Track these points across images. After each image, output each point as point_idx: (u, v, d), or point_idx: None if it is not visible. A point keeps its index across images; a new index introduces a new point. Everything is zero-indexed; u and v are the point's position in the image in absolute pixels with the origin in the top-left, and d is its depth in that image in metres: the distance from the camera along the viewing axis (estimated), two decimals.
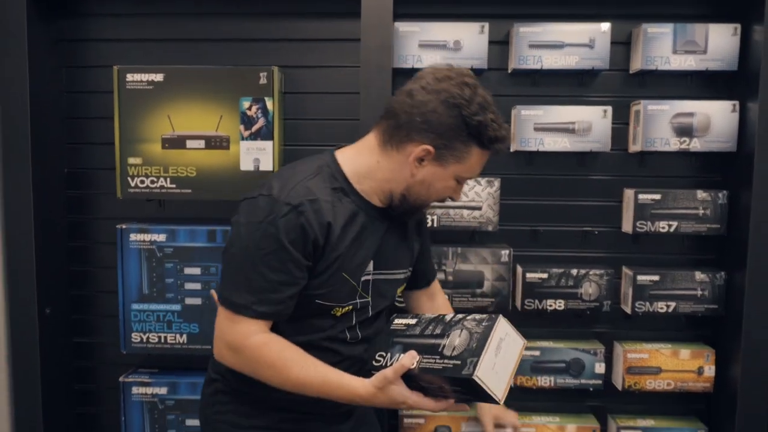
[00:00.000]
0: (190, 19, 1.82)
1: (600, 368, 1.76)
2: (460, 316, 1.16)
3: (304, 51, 1.81)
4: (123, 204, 1.83)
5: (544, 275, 1.75)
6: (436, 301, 1.50)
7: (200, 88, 1.72)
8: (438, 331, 1.14)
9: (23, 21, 1.66)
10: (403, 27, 1.70)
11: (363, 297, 1.21)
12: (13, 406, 1.79)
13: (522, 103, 1.74)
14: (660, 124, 1.69)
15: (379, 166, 1.16)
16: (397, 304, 1.47)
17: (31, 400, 1.76)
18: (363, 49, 1.65)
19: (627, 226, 1.77)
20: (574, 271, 1.74)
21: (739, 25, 1.67)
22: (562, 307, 1.76)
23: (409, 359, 1.08)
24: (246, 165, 1.74)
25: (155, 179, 1.76)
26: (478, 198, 1.75)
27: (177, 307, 1.77)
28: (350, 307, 1.19)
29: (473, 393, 1.06)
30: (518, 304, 1.77)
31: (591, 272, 1.75)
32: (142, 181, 1.76)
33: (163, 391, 1.80)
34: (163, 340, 1.78)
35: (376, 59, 1.65)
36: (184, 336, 1.77)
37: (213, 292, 1.75)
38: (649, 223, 1.73)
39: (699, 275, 1.73)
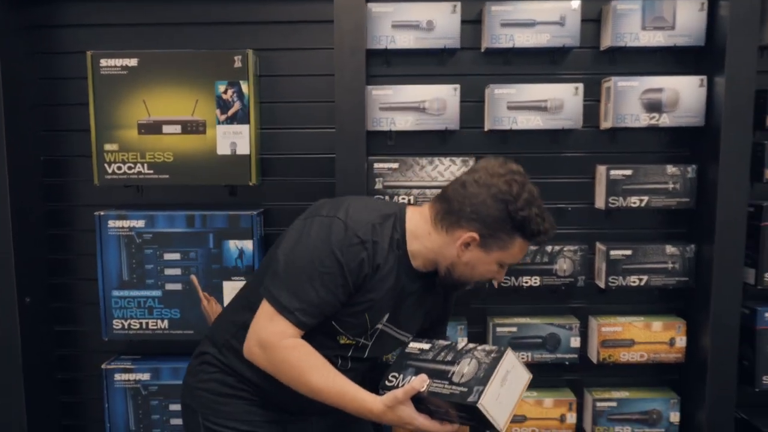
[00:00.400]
0: (162, 3, 1.81)
1: (575, 342, 1.80)
2: (471, 345, 1.24)
3: (279, 34, 1.81)
4: (100, 191, 1.83)
5: None
6: None
7: (175, 72, 1.72)
8: (449, 358, 1.22)
9: None
10: (375, 8, 1.71)
11: (367, 340, 1.31)
12: None
13: (495, 81, 1.76)
14: (630, 100, 1.72)
15: (431, 237, 1.27)
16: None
17: (14, 390, 1.76)
18: (336, 30, 1.66)
19: (600, 202, 1.80)
20: (549, 248, 1.78)
21: (705, 1, 1.70)
22: (538, 284, 1.79)
23: (420, 382, 1.17)
24: (223, 149, 1.75)
25: (132, 165, 1.76)
26: (454, 177, 1.77)
27: (158, 292, 1.77)
28: (354, 342, 1.29)
29: (476, 420, 1.14)
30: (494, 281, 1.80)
31: (565, 248, 1.78)
32: (119, 168, 1.76)
33: (146, 377, 1.81)
34: (144, 326, 1.78)
35: (350, 41, 1.66)
36: (166, 321, 1.78)
37: (193, 278, 1.76)
38: (620, 198, 1.76)
39: (669, 249, 1.77)
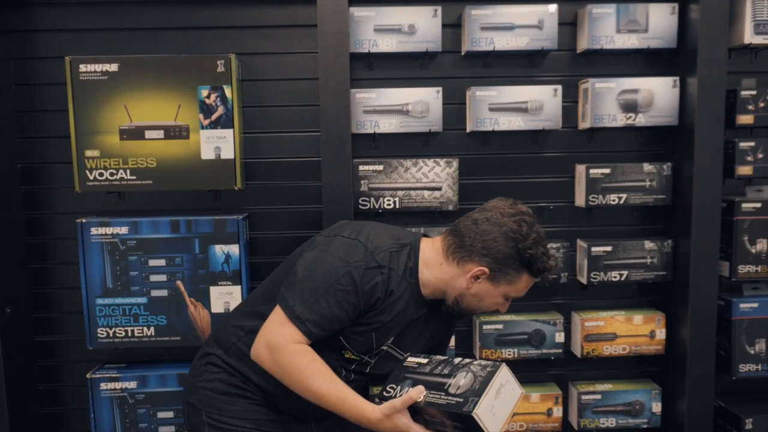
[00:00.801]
0: (143, 7, 1.80)
1: (560, 338, 1.84)
2: (467, 360, 1.28)
3: (261, 38, 1.82)
4: (82, 198, 1.80)
5: None
6: None
7: (157, 77, 1.71)
8: (446, 371, 1.25)
9: None
10: (358, 12, 1.73)
11: (371, 358, 1.36)
12: None
13: (476, 84, 1.79)
14: (607, 101, 1.77)
15: (442, 268, 1.33)
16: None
17: None
18: (320, 35, 1.67)
19: (580, 200, 1.85)
20: None
21: (676, 4, 1.76)
22: None
23: (417, 393, 1.20)
24: (207, 154, 1.74)
25: (114, 171, 1.74)
26: (438, 179, 1.80)
27: (143, 299, 1.75)
28: (358, 358, 1.35)
29: (471, 430, 1.17)
30: None
31: (548, 246, 1.81)
32: (101, 174, 1.74)
33: (132, 385, 1.79)
34: (130, 334, 1.76)
35: (334, 45, 1.68)
36: (152, 329, 1.77)
37: (179, 284, 1.75)
38: (600, 196, 1.81)
39: (648, 244, 1.83)
